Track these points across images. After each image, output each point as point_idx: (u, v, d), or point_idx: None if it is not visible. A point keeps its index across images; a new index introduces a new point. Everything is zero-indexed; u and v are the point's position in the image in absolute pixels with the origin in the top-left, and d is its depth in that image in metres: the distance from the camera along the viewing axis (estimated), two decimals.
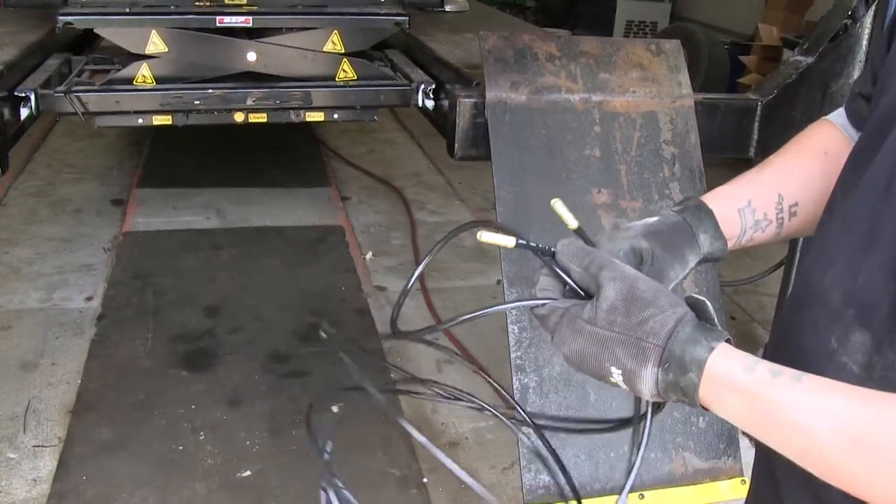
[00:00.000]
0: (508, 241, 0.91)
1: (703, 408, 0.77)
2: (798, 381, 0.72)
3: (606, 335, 0.79)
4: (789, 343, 0.90)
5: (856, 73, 2.66)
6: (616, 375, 0.79)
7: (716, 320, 0.79)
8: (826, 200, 1.00)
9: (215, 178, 5.20)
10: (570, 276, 0.86)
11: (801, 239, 2.92)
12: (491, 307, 0.95)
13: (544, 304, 0.86)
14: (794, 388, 0.71)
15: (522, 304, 0.89)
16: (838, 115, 1.08)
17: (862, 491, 0.69)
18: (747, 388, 0.73)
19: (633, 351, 0.77)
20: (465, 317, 0.95)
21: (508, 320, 2.32)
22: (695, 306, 0.79)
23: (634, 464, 2.26)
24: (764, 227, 1.03)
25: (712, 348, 0.75)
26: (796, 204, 1.03)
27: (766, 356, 1.04)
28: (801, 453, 0.72)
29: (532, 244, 0.90)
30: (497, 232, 0.93)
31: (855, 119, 1.04)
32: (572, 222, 0.94)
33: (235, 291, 3.89)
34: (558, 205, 0.95)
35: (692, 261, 0.98)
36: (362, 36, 2.93)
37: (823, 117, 1.09)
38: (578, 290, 0.86)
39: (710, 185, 2.58)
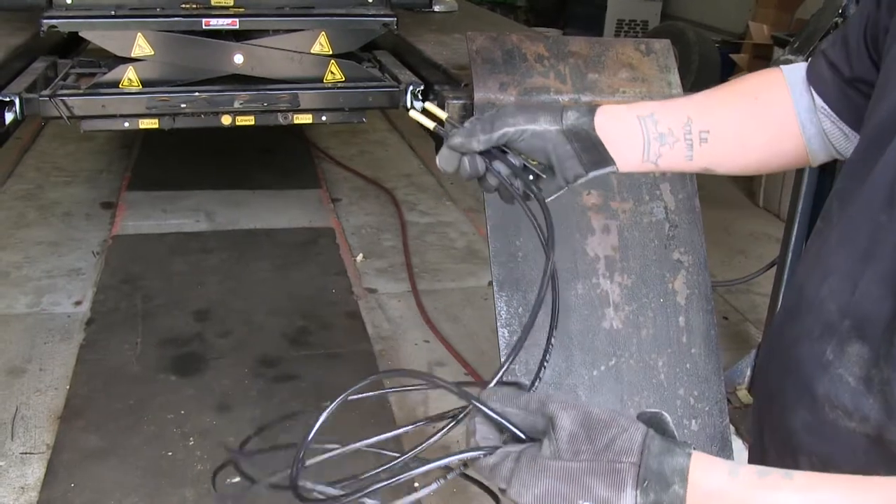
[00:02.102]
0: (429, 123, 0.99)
1: None
2: (788, 479, 0.67)
3: (575, 467, 0.69)
4: (782, 353, 0.89)
5: None
6: None
7: (675, 433, 0.72)
8: (743, 139, 1.03)
9: (205, 181, 5.17)
10: (508, 421, 0.76)
11: (793, 243, 2.92)
12: (424, 466, 0.81)
13: (489, 452, 0.75)
14: (786, 487, 0.67)
15: (465, 457, 0.77)
16: (792, 69, 1.05)
17: None
18: (735, 492, 0.67)
19: (607, 477, 0.68)
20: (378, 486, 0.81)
21: (498, 324, 2.31)
22: (651, 420, 0.73)
23: None
24: (671, 143, 1.01)
25: (689, 454, 0.69)
26: (707, 131, 1.01)
27: (758, 365, 1.02)
28: None
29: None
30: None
31: (814, 79, 1.02)
32: (441, 113, 0.98)
33: (225, 295, 3.86)
34: (414, 113, 1.04)
35: (545, 122, 0.99)
36: (350, 37, 2.91)
37: (779, 66, 1.08)
38: (520, 434, 0.75)
39: (701, 185, 2.58)
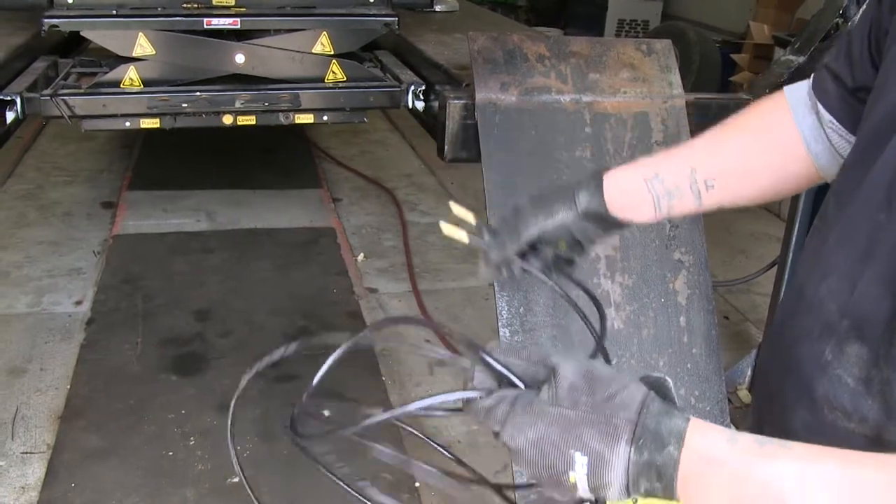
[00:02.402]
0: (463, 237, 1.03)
1: (678, 499, 0.69)
2: (787, 449, 0.66)
3: (572, 415, 0.69)
4: (782, 353, 0.89)
5: None
6: (579, 467, 0.69)
7: (676, 400, 0.72)
8: (748, 174, 1.06)
9: (206, 181, 5.17)
10: (509, 370, 0.76)
11: (793, 243, 2.92)
12: (424, 401, 0.79)
13: (486, 394, 0.75)
14: (785, 456, 0.66)
15: (462, 396, 0.77)
16: (794, 89, 1.07)
17: None
18: (733, 459, 0.66)
19: (602, 429, 0.68)
20: (379, 418, 0.82)
21: (500, 324, 2.31)
22: (654, 384, 0.73)
23: None
24: (679, 197, 1.05)
25: (688, 419, 0.69)
26: (713, 178, 1.05)
27: (758, 365, 1.03)
28: None
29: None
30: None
31: (819, 93, 1.03)
32: (468, 215, 1.07)
33: (226, 295, 3.86)
34: (445, 228, 1.13)
35: (562, 213, 1.07)
36: (351, 37, 2.91)
37: (783, 89, 1.09)
38: (519, 383, 0.75)
39: None
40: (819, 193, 2.95)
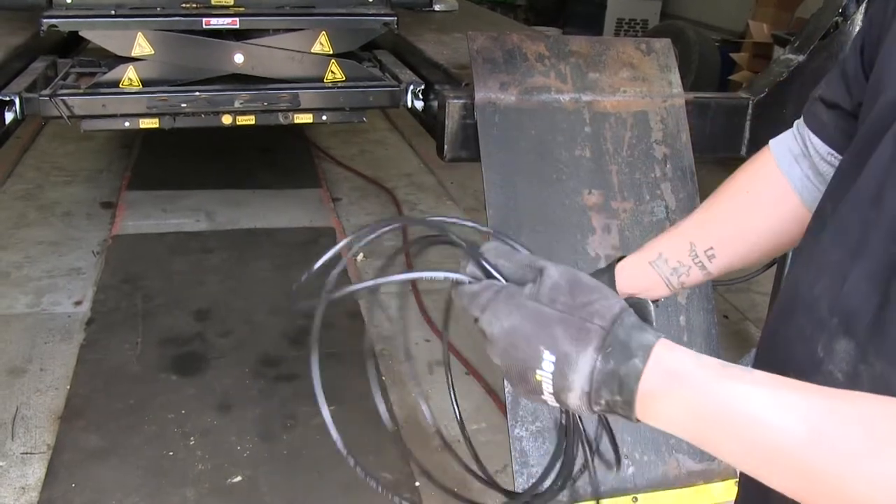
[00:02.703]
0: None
1: (637, 419, 0.71)
2: (750, 374, 0.68)
3: (547, 312, 0.71)
4: (777, 352, 0.89)
5: None
6: (546, 364, 0.70)
7: (654, 323, 0.75)
8: (746, 237, 1.08)
9: (205, 180, 5.17)
10: (497, 271, 0.78)
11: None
12: (413, 273, 0.87)
13: (475, 282, 0.78)
14: (745, 378, 0.67)
15: (448, 276, 0.81)
16: (779, 142, 1.08)
17: (813, 488, 0.64)
18: (697, 375, 0.68)
19: (573, 332, 0.70)
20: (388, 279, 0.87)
21: None
22: (635, 305, 0.76)
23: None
24: (686, 271, 1.07)
25: (659, 337, 0.70)
26: (712, 248, 1.06)
27: (755, 363, 1.03)
28: (751, 450, 0.66)
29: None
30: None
31: (815, 125, 1.03)
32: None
33: (225, 295, 3.86)
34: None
35: None
36: (350, 37, 2.91)
37: (768, 144, 1.10)
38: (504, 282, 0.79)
39: (702, 185, 2.58)
40: None
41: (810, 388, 0.67)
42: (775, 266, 3.09)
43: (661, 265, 1.07)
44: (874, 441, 0.61)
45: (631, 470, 2.31)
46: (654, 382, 0.69)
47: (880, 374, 0.76)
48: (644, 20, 8.66)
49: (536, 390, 0.73)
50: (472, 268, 0.80)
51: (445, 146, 2.44)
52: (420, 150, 5.95)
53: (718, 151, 2.72)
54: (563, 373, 0.70)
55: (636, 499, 2.30)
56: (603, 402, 0.70)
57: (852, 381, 0.78)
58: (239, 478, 2.69)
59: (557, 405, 0.74)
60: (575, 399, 0.71)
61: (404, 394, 3.22)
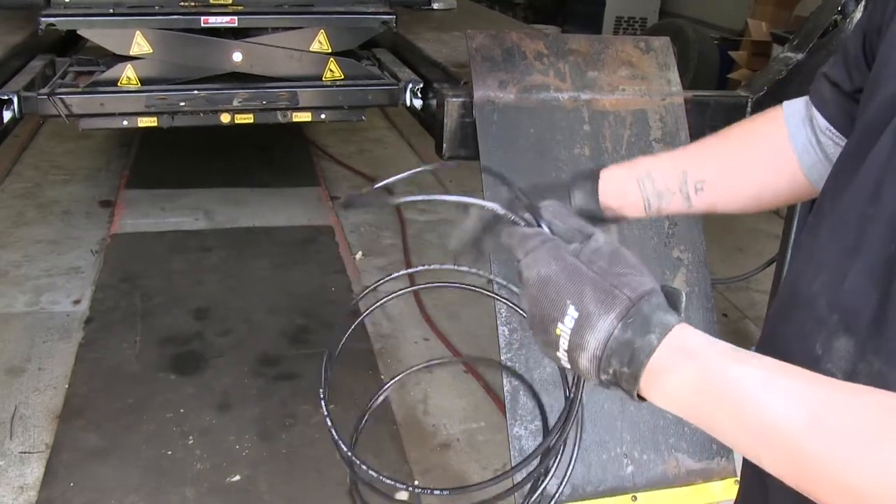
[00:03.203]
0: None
1: (640, 397, 0.72)
2: (758, 358, 0.69)
3: (583, 270, 0.74)
4: (777, 349, 0.89)
5: None
6: (568, 320, 0.72)
7: (682, 313, 0.75)
8: (738, 182, 1.08)
9: (204, 179, 5.17)
10: (551, 228, 0.82)
11: (792, 240, 2.92)
12: (460, 196, 0.89)
13: (528, 227, 0.82)
14: (753, 362, 0.68)
15: (510, 215, 0.84)
16: (793, 104, 1.08)
17: (808, 474, 0.64)
18: (707, 354, 0.69)
19: (601, 295, 0.72)
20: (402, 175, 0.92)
21: (498, 322, 2.31)
22: (668, 292, 0.75)
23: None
24: (669, 198, 1.07)
25: (680, 321, 0.72)
26: (703, 181, 1.06)
27: None
28: (750, 430, 0.67)
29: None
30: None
31: (818, 102, 1.04)
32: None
33: (224, 293, 3.86)
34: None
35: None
36: (349, 35, 2.91)
37: (782, 104, 1.10)
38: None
39: None
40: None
41: (817, 377, 0.68)
42: (774, 264, 3.10)
43: (647, 184, 1.07)
44: (873, 431, 0.62)
45: (630, 469, 2.31)
46: (663, 360, 0.70)
47: (878, 372, 0.76)
48: (643, 18, 8.66)
49: (553, 344, 0.75)
50: (528, 216, 0.83)
51: (444, 145, 2.43)
52: (419, 149, 5.95)
53: None
54: (581, 331, 0.72)
55: (636, 497, 2.30)
56: (611, 370, 0.72)
57: (850, 380, 0.78)
58: (238, 477, 2.69)
59: (568, 366, 0.75)
60: (585, 361, 0.73)
61: (403, 392, 3.22)
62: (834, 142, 1.01)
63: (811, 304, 0.84)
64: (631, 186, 1.07)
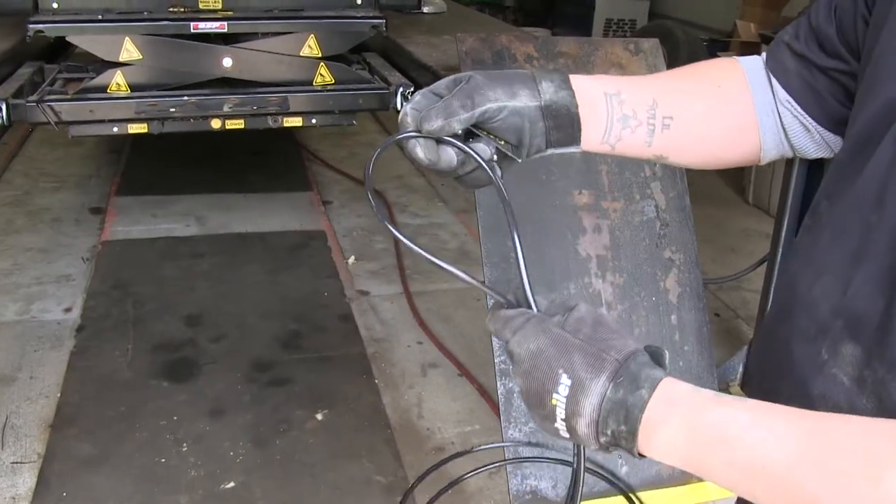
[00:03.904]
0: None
1: (639, 454, 0.73)
2: (740, 400, 0.71)
3: (570, 339, 0.76)
4: (776, 352, 0.89)
5: None
6: (562, 388, 0.74)
7: (667, 369, 0.77)
8: (703, 129, 1.00)
9: (194, 185, 5.15)
10: (536, 306, 0.85)
11: (783, 240, 2.92)
12: (460, 271, 0.86)
13: (512, 307, 0.84)
14: (736, 404, 0.70)
15: (495, 297, 0.86)
16: (750, 61, 1.03)
17: None
18: (691, 402, 0.71)
19: (591, 360, 0.74)
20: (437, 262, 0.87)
21: None
22: (653, 353, 0.77)
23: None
24: (633, 126, 0.96)
25: (667, 374, 0.74)
26: (671, 118, 0.97)
27: (751, 364, 1.02)
28: (743, 471, 0.68)
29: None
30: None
31: (778, 71, 0.99)
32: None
33: (216, 299, 3.85)
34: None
35: (524, 97, 0.90)
36: (339, 39, 2.91)
37: (734, 57, 1.05)
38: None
39: (690, 182, 2.58)
40: (808, 190, 2.96)
41: (799, 412, 0.69)
42: (766, 264, 3.10)
43: (614, 104, 0.96)
44: (860, 461, 0.62)
45: (625, 469, 2.31)
46: (656, 412, 0.71)
47: (881, 380, 0.76)
48: (632, 20, 8.68)
49: (550, 416, 0.76)
50: (510, 297, 0.86)
51: None
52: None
53: None
54: (576, 397, 0.74)
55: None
56: (609, 432, 0.73)
57: (858, 385, 0.78)
58: (232, 483, 2.68)
59: (567, 436, 0.76)
60: (584, 426, 0.74)
61: (397, 396, 3.21)
62: (792, 114, 0.99)
63: (812, 308, 0.84)
64: (598, 99, 0.95)
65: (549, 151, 0.96)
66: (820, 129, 0.98)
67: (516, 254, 0.85)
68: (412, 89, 2.82)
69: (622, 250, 2.39)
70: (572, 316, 0.79)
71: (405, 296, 4.00)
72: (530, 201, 2.32)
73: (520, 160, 0.94)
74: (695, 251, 2.48)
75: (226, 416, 3.01)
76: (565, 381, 0.74)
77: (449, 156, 0.92)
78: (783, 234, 2.93)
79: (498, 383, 2.25)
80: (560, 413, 0.75)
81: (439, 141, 0.91)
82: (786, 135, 1.00)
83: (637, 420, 0.71)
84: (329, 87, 2.86)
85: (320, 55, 2.86)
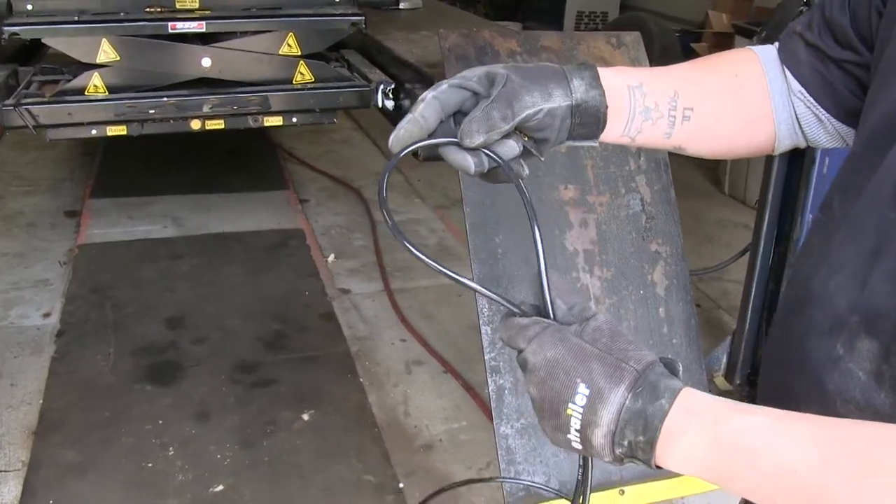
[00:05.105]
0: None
1: (655, 465, 0.73)
2: (762, 409, 0.71)
3: (589, 349, 0.75)
4: (789, 347, 0.89)
5: None
6: (579, 398, 0.73)
7: (680, 379, 0.77)
8: (721, 120, 1.01)
9: (170, 185, 5.10)
10: (553, 312, 0.82)
11: (765, 231, 2.93)
12: (475, 284, 0.85)
13: (525, 316, 0.82)
14: (756, 411, 0.70)
15: (508, 306, 0.83)
16: (765, 50, 1.03)
17: None
18: (711, 410, 0.71)
19: (609, 370, 0.73)
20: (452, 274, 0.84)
21: (481, 321, 2.30)
22: (668, 364, 0.77)
23: None
24: (655, 118, 0.96)
25: (686, 385, 0.74)
26: (692, 109, 0.98)
27: (762, 358, 1.02)
28: (765, 476, 0.67)
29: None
30: None
31: (791, 62, 1.00)
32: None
33: (197, 301, 3.81)
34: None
35: (559, 98, 0.90)
36: (319, 37, 2.89)
37: (748, 46, 1.05)
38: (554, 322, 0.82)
39: (676, 177, 2.59)
40: (789, 181, 2.97)
41: (817, 418, 0.69)
42: (748, 254, 3.12)
43: (637, 96, 0.95)
44: (884, 469, 0.62)
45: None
46: (676, 422, 0.71)
47: None
48: (604, 13, 8.70)
49: (564, 427, 0.75)
50: (524, 307, 0.84)
51: None
52: (386, 150, 5.90)
53: None
54: (593, 407, 0.73)
55: (623, 491, 2.31)
56: (626, 442, 0.72)
57: (875, 380, 0.78)
58: (221, 487, 2.66)
59: (581, 447, 0.75)
60: (600, 437, 0.73)
61: (383, 394, 3.21)
62: (805, 105, 0.99)
63: (827, 303, 0.84)
64: (621, 93, 0.95)
65: (567, 144, 0.96)
66: (833, 120, 0.98)
67: (538, 255, 0.83)
68: (392, 86, 2.81)
69: (609, 244, 2.40)
70: (590, 325, 0.77)
71: (386, 293, 4.00)
72: (516, 197, 2.31)
73: (542, 158, 0.94)
74: (680, 244, 2.49)
75: (212, 419, 2.99)
76: (583, 391, 0.73)
77: (481, 161, 0.91)
78: (765, 224, 2.95)
79: (489, 380, 2.25)
80: (575, 424, 0.74)
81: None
82: (799, 125, 1.00)
83: (656, 430, 0.71)
84: (309, 86, 2.84)
85: (300, 53, 2.84)
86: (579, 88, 0.91)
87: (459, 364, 3.40)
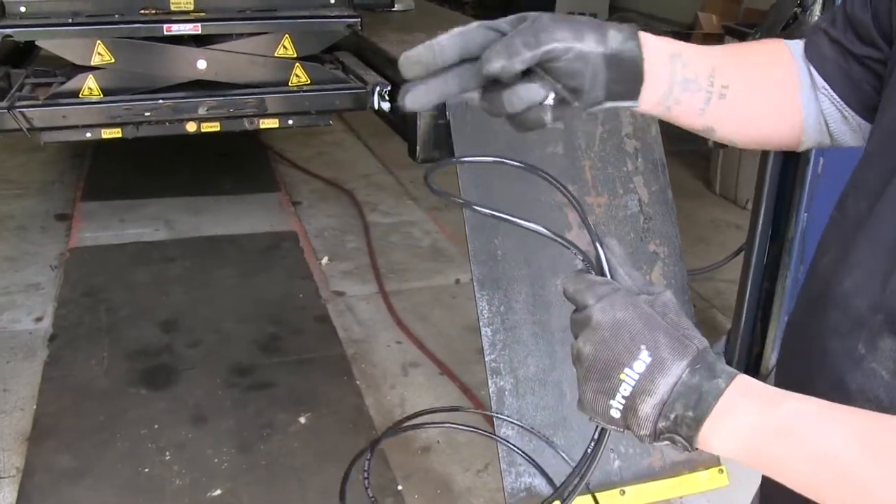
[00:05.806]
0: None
1: (695, 445, 0.74)
2: (808, 398, 0.73)
3: (658, 320, 0.76)
4: (808, 346, 0.89)
5: None
6: (638, 364, 0.73)
7: None
8: (756, 103, 0.99)
9: (162, 188, 5.08)
10: (616, 277, 0.82)
11: (759, 230, 2.94)
12: (544, 229, 0.84)
13: (598, 273, 0.81)
14: (804, 399, 0.72)
15: (580, 258, 0.84)
16: (796, 45, 1.02)
17: (869, 501, 0.67)
18: (766, 396, 0.73)
19: (675, 343, 0.74)
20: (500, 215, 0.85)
21: (481, 322, 2.30)
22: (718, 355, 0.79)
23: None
24: (693, 91, 0.93)
25: (739, 374, 0.75)
26: (727, 87, 0.95)
27: (780, 358, 1.02)
28: (812, 461, 0.69)
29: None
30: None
31: (816, 58, 0.99)
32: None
33: (191, 304, 3.80)
34: None
35: (591, 42, 0.84)
36: (314, 39, 2.88)
37: (780, 39, 1.04)
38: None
39: (673, 178, 2.60)
40: (783, 180, 2.98)
41: (856, 410, 0.73)
42: (742, 254, 3.13)
43: (677, 66, 0.91)
44: None
45: (617, 463, 2.32)
46: (729, 401, 0.72)
47: None
48: (593, 14, 8.68)
49: (611, 391, 0.75)
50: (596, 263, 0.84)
51: (418, 147, 2.42)
52: (377, 151, 5.92)
53: (687, 144, 2.75)
54: (652, 375, 0.73)
55: (624, 491, 2.31)
56: (673, 416, 0.73)
57: None
58: (219, 491, 2.65)
59: (619, 416, 0.75)
60: (648, 406, 0.73)
61: (379, 396, 3.20)
62: (829, 101, 0.99)
63: (846, 303, 0.84)
64: (662, 59, 0.90)
65: (607, 105, 0.89)
66: (857, 117, 0.98)
67: (587, 227, 0.85)
68: (388, 88, 2.80)
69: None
70: (660, 299, 0.79)
71: (381, 295, 3.99)
72: (515, 199, 2.32)
73: (576, 105, 0.88)
74: (678, 244, 2.50)
75: (208, 423, 2.97)
76: (644, 358, 0.74)
77: (524, 96, 0.84)
78: (759, 224, 2.96)
79: (489, 381, 2.25)
80: (625, 390, 0.74)
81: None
82: (825, 121, 1.00)
83: (709, 407, 0.72)
84: (305, 88, 2.83)
85: (295, 55, 2.82)
86: (615, 38, 0.86)
87: (456, 366, 3.40)
